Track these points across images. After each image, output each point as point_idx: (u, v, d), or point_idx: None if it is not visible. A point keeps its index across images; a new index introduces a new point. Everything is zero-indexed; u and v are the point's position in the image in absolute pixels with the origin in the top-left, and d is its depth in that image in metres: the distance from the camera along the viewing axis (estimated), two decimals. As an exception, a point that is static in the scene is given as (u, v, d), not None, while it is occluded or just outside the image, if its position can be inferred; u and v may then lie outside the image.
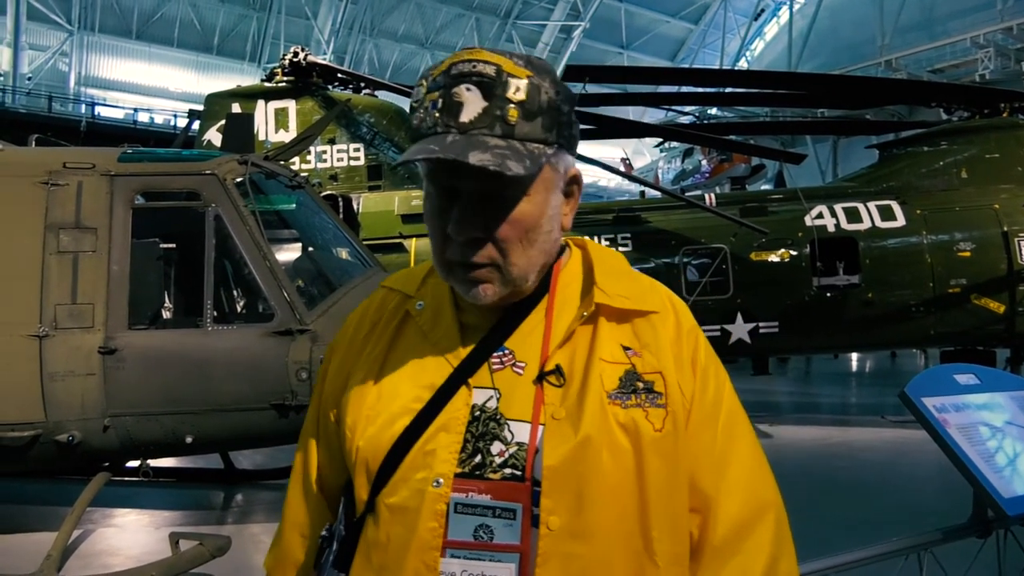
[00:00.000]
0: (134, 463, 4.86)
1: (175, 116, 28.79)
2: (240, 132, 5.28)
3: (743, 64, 40.22)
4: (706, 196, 10.90)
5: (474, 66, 0.99)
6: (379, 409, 1.07)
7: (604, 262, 1.16)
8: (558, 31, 39.66)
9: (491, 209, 1.02)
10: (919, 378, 2.65)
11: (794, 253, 9.69)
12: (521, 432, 1.02)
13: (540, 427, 1.02)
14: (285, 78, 10.22)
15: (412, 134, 1.04)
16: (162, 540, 4.26)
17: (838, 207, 9.76)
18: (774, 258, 9.76)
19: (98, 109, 29.97)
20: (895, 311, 9.46)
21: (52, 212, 4.26)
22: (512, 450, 1.01)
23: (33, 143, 5.30)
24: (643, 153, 43.32)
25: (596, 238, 10.16)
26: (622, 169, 29.35)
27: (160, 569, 3.99)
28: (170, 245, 4.89)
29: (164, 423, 4.30)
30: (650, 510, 1.01)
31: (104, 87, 33.92)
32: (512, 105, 0.98)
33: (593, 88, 11.15)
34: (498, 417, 1.04)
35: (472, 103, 0.98)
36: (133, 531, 5.33)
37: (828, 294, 9.51)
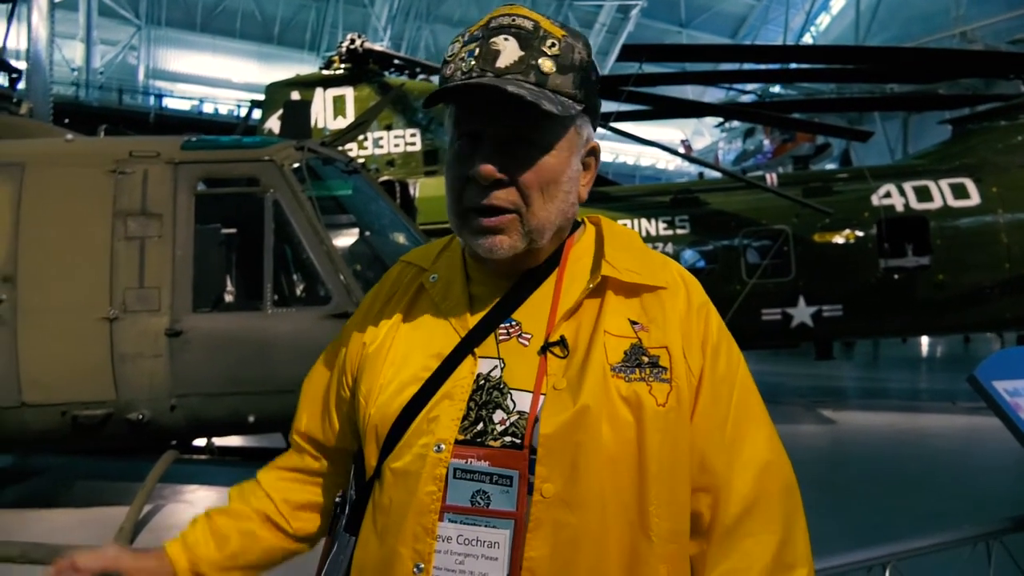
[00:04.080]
0: (201, 441, 5.04)
1: (238, 106, 29.49)
2: (297, 119, 5.37)
3: (807, 40, 38.93)
4: (767, 176, 10.62)
5: (513, 19, 1.03)
6: (390, 377, 1.10)
7: (616, 237, 1.17)
8: (615, 11, 39.06)
9: (517, 153, 1.04)
10: (990, 361, 2.53)
11: (860, 234, 9.39)
12: (523, 401, 1.03)
13: (541, 397, 1.03)
14: (342, 66, 10.36)
15: (442, 82, 1.05)
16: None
17: (907, 186, 9.41)
18: (838, 239, 9.48)
19: (165, 101, 30.90)
20: (967, 293, 9.09)
21: (120, 199, 4.42)
22: (513, 419, 1.03)
23: (102, 134, 5.50)
24: (703, 134, 42.48)
25: (653, 221, 10.04)
26: (681, 151, 28.90)
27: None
28: (231, 230, 5.03)
29: (227, 403, 4.44)
30: (649, 485, 1.01)
31: (171, 79, 34.93)
32: (547, 57, 1.02)
33: (650, 68, 10.94)
34: (501, 386, 1.05)
35: (509, 51, 1.01)
36: (201, 506, 5.49)
37: (896, 276, 9.19)
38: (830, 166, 23.84)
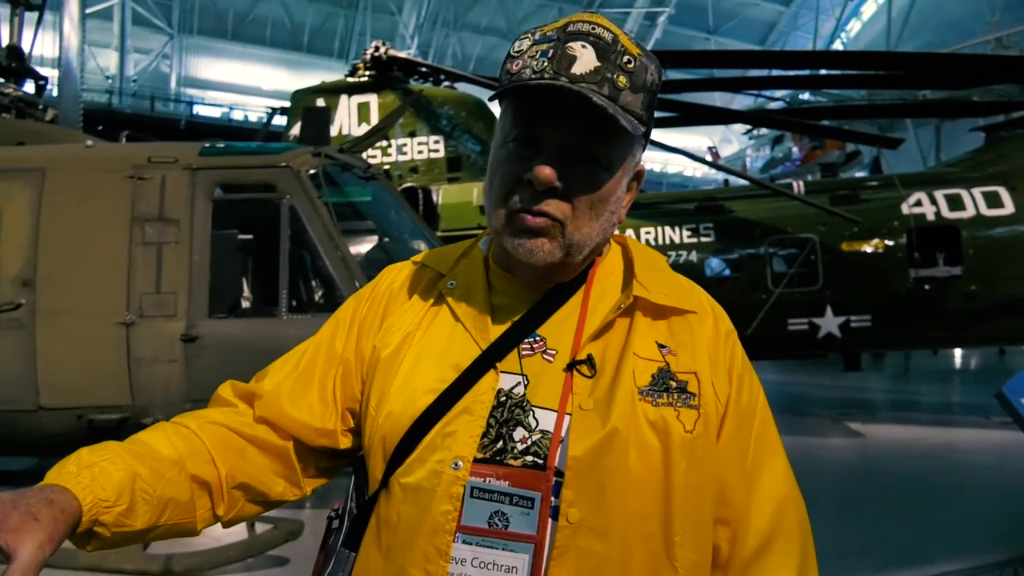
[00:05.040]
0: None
1: (267, 113, 29.85)
2: (316, 125, 5.37)
3: (838, 46, 38.46)
4: (794, 184, 10.46)
5: (593, 27, 0.99)
6: (401, 387, 1.04)
7: (644, 258, 1.13)
8: (642, 18, 38.94)
9: (576, 166, 0.99)
10: (1019, 377, 2.42)
11: (889, 243, 9.20)
12: (546, 420, 0.98)
13: (567, 416, 0.97)
14: (367, 73, 10.39)
15: (507, 79, 0.99)
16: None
17: (939, 194, 9.20)
18: (867, 248, 9.30)
19: (196, 108, 31.42)
20: (1001, 304, 8.85)
21: (138, 205, 4.44)
22: (535, 437, 0.98)
23: (124, 140, 5.55)
24: (731, 141, 42.14)
25: (676, 228, 9.93)
26: (708, 158, 28.65)
27: (237, 550, 4.12)
28: (247, 236, 5.04)
29: (242, 409, 4.42)
30: (674, 513, 0.96)
31: (202, 87, 35.45)
32: (622, 73, 0.97)
33: (676, 74, 10.84)
34: (524, 404, 1.00)
35: (586, 59, 0.96)
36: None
37: (926, 286, 8.99)
38: (860, 174, 23.49)
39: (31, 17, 6.00)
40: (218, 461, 1.06)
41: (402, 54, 10.78)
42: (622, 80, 0.97)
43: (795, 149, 28.70)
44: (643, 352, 1.02)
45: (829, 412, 10.81)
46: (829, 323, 9.26)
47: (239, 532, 4.28)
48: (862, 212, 9.25)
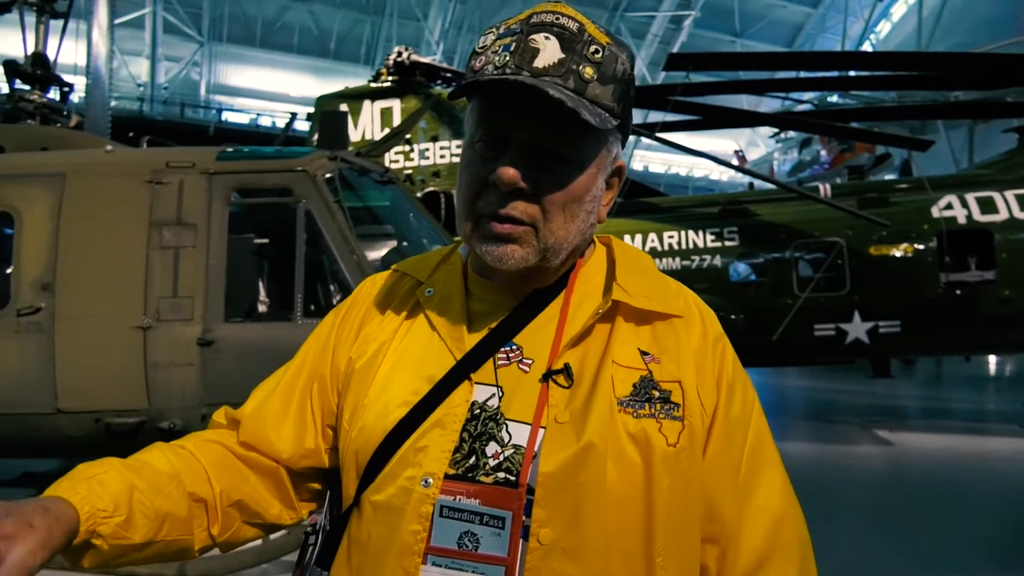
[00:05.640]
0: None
1: (289, 118, 30.17)
2: (333, 129, 5.38)
3: (867, 48, 37.88)
4: (820, 187, 10.30)
5: (557, 18, 0.94)
6: (374, 399, 1.00)
7: (628, 260, 1.06)
8: (668, 21, 38.74)
9: (544, 166, 0.94)
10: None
11: (919, 247, 9.01)
12: (520, 434, 0.93)
13: (540, 430, 0.91)
14: (390, 78, 10.43)
15: (471, 76, 0.94)
16: (255, 528, 4.39)
17: (970, 197, 9.00)
18: (896, 252, 9.11)
19: (225, 114, 31.81)
20: (1036, 310, 8.61)
21: (156, 209, 4.46)
22: (508, 452, 0.92)
23: (145, 145, 5.59)
24: (757, 145, 41.71)
25: (700, 232, 9.82)
26: (735, 162, 28.35)
27: (251, 555, 4.12)
28: (263, 240, 5.04)
29: (258, 414, 4.42)
30: (656, 532, 0.90)
31: (231, 94, 35.93)
32: (589, 64, 0.92)
33: (700, 77, 10.72)
34: (498, 417, 0.94)
35: (549, 51, 0.91)
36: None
37: (957, 291, 8.77)
38: (890, 176, 23.10)
39: (57, 25, 6.07)
40: (213, 479, 1.04)
41: (425, 59, 10.80)
42: (589, 71, 0.92)
43: (823, 152, 28.32)
44: (624, 360, 0.96)
45: (858, 419, 10.61)
46: (857, 329, 9.08)
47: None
48: (891, 215, 9.07)
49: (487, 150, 0.96)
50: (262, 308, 4.97)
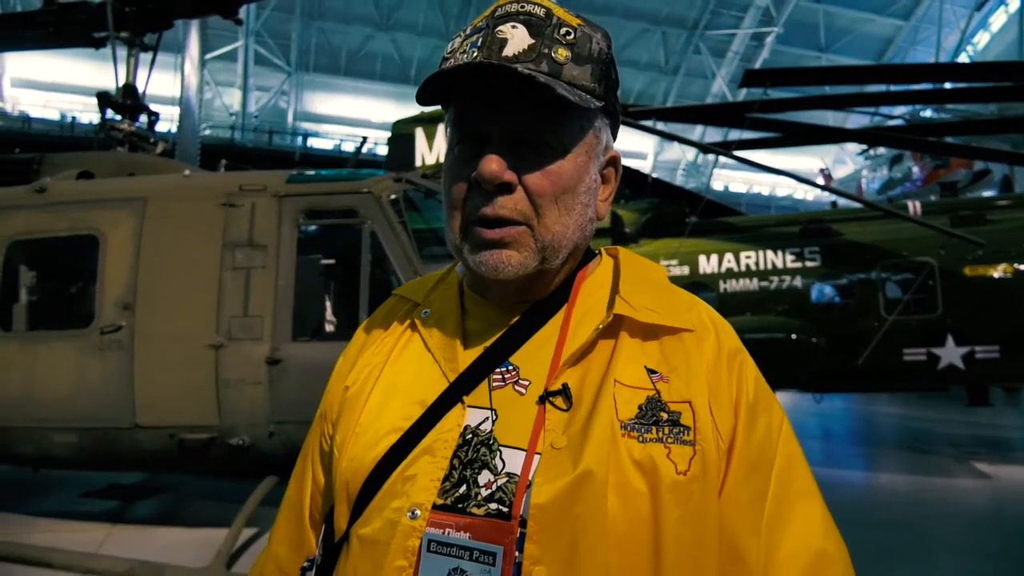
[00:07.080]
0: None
1: (376, 144, 31.01)
2: (400, 152, 5.45)
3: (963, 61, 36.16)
4: (909, 205, 9.81)
5: (522, 6, 0.90)
6: (366, 426, 0.94)
7: (634, 271, 0.98)
8: (749, 39, 38.01)
9: (527, 156, 0.88)
10: None
11: (1019, 267, 8.44)
12: (514, 461, 0.85)
13: (536, 457, 0.84)
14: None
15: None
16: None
17: (1077, 213, 8.40)
18: (993, 273, 8.56)
19: (310, 141, 32.99)
20: None
21: (229, 231, 4.61)
22: (501, 481, 0.84)
23: (222, 169, 5.82)
24: (844, 162, 40.29)
25: (779, 252, 9.50)
26: (820, 180, 27.41)
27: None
28: (330, 260, 5.13)
29: (322, 432, 4.48)
30: (665, 573, 0.80)
31: (316, 120, 37.30)
32: (561, 45, 0.86)
33: (779, 94, 10.41)
34: (491, 442, 0.87)
35: (517, 39, 0.86)
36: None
37: (1063, 315, 8.18)
38: (989, 193, 21.87)
39: (145, 58, 6.40)
40: None
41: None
42: (562, 53, 0.86)
43: (916, 169, 27.04)
44: (628, 379, 0.87)
45: (953, 450, 9.97)
46: (950, 353, 8.56)
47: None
48: (987, 234, 8.55)
49: (467, 150, 0.91)
50: (328, 327, 5.06)
